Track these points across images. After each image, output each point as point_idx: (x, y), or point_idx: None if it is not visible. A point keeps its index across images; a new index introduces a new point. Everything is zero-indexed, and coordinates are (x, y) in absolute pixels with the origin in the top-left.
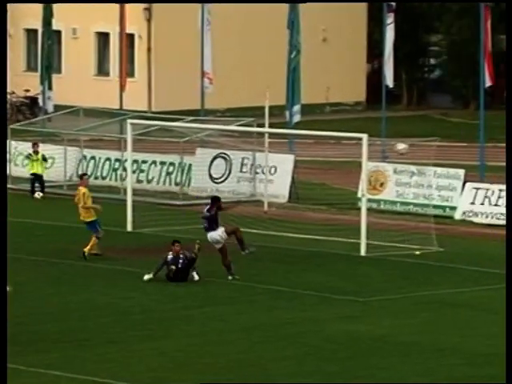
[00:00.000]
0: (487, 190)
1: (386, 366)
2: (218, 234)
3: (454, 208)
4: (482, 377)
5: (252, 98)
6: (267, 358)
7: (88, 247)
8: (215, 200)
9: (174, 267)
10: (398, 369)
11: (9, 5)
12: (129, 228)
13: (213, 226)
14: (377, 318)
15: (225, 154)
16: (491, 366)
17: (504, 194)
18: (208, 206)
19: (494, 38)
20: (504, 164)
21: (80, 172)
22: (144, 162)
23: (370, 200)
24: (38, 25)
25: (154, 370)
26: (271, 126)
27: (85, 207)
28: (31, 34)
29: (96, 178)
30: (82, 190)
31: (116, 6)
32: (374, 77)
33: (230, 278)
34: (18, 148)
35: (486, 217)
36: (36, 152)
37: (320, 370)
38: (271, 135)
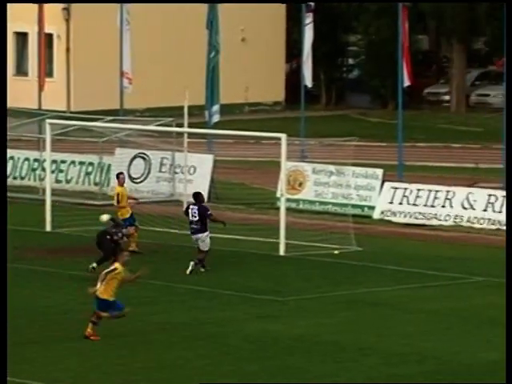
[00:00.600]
0: (405, 189)
1: (305, 365)
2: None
3: (372, 207)
4: (399, 375)
5: (171, 97)
6: (185, 358)
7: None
8: (198, 195)
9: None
10: (317, 368)
11: None
12: (48, 228)
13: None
14: (296, 317)
15: (144, 153)
16: (407, 365)
17: (422, 193)
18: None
19: (412, 37)
20: (423, 163)
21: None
22: (63, 161)
23: (288, 200)
24: None
25: (72, 370)
26: (190, 125)
27: (120, 206)
28: None
29: (15, 178)
30: (117, 189)
31: (34, 6)
32: (293, 77)
33: (202, 269)
34: None
35: (405, 216)
36: None
37: (239, 369)
38: (190, 135)
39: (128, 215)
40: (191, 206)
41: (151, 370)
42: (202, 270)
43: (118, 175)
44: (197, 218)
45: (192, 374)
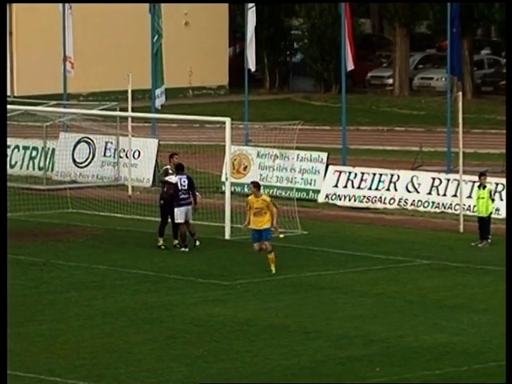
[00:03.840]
0: (350, 173)
1: (252, 348)
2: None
3: (317, 191)
4: (345, 358)
5: (115, 82)
6: (132, 342)
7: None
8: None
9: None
10: (264, 352)
11: None
12: None
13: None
14: (242, 301)
15: (88, 138)
16: (353, 348)
17: (366, 176)
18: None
19: (355, 21)
20: (367, 147)
21: None
22: (7, 146)
23: (233, 184)
24: None
25: (18, 355)
26: (134, 110)
27: None
28: None
29: None
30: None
31: None
32: (237, 61)
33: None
34: None
35: (349, 200)
36: None
37: (185, 353)
38: (134, 119)
39: None
40: (179, 176)
41: (98, 355)
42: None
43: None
44: (186, 187)
45: (140, 357)
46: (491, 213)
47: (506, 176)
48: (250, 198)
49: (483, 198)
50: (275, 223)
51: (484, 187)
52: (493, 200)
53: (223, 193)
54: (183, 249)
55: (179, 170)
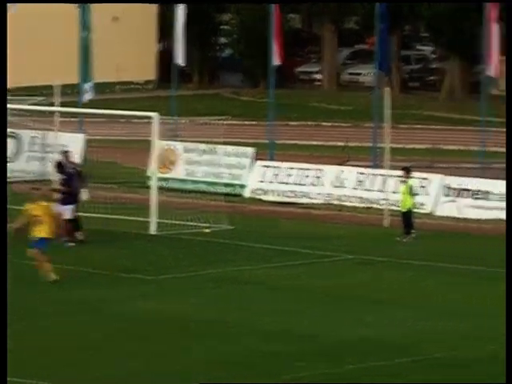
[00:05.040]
0: (276, 167)
1: (178, 344)
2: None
3: (243, 186)
4: (269, 353)
5: (43, 76)
6: (54, 338)
7: None
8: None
9: None
10: (190, 347)
11: None
12: None
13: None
14: (167, 296)
15: (14, 133)
16: (275, 343)
17: (293, 171)
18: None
19: (284, 17)
20: (294, 142)
21: None
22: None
23: (160, 178)
24: None
25: None
26: (63, 105)
27: None
28: None
29: None
30: None
31: None
32: (166, 56)
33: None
34: None
35: (276, 195)
36: None
37: (111, 349)
38: (62, 114)
39: None
40: (62, 175)
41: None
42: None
43: None
44: (69, 185)
45: (61, 354)
46: (411, 208)
47: (506, 175)
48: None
49: (404, 193)
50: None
51: (405, 182)
52: (415, 195)
53: (149, 187)
54: (70, 244)
55: (59, 167)
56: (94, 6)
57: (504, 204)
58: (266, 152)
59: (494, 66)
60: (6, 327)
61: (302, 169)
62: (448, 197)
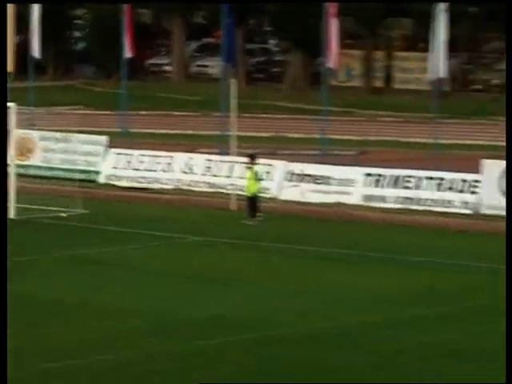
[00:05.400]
0: (129, 155)
1: (37, 325)
2: None
3: (98, 172)
4: (124, 331)
5: None
6: None
7: None
8: None
9: None
10: (41, 326)
11: None
12: None
13: None
14: (27, 278)
15: None
16: (132, 320)
17: (145, 158)
18: None
19: (135, 11)
20: (146, 131)
21: None
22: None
23: (18, 166)
24: None
25: None
26: None
27: None
28: None
29: None
30: None
31: None
32: (22, 48)
33: None
34: None
35: (130, 180)
36: None
37: None
38: None
39: None
40: None
41: None
42: None
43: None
44: None
45: None
46: (256, 192)
47: (506, 175)
48: None
49: (249, 178)
50: None
51: (250, 168)
52: (260, 180)
53: (8, 174)
54: None
55: None
56: None
57: (344, 188)
58: (119, 140)
59: (333, 58)
60: (5, 327)
61: (153, 156)
62: (291, 182)
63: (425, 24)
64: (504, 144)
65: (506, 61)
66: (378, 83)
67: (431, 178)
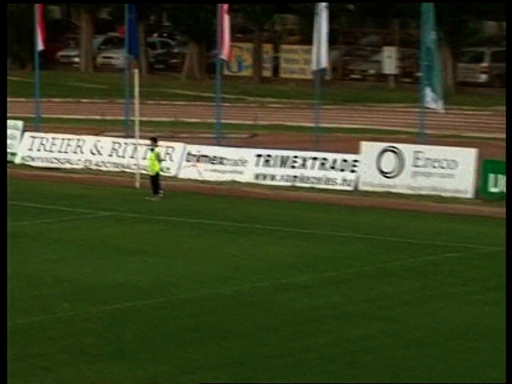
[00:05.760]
0: (42, 138)
1: None
2: None
3: (14, 154)
4: (38, 296)
5: None
6: None
7: None
8: None
9: None
10: None
11: None
12: None
13: None
14: None
15: None
16: (46, 287)
17: (57, 141)
18: None
19: (46, 8)
20: (58, 116)
21: None
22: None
23: None
24: None
25: None
26: None
27: None
28: None
29: None
30: None
31: None
32: None
33: None
34: None
35: (42, 161)
36: None
37: None
38: None
39: None
40: None
41: None
42: None
43: None
44: None
45: None
46: (158, 172)
47: (506, 174)
48: None
49: (152, 159)
50: None
51: (152, 150)
52: (161, 160)
53: None
54: None
55: None
56: None
57: (237, 168)
58: (33, 125)
59: (225, 50)
60: (6, 327)
61: (64, 139)
62: (189, 162)
63: (308, 20)
64: (380, 127)
65: (506, 59)
66: (267, 73)
67: (315, 158)
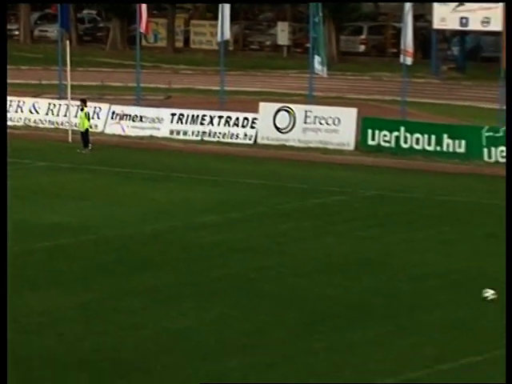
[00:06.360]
0: None
1: None
2: None
3: None
4: None
5: None
6: None
7: None
8: None
9: None
10: None
11: None
12: None
13: None
14: None
15: None
16: None
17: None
18: None
19: None
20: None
21: None
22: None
23: None
24: None
25: None
26: None
27: None
28: None
29: None
30: None
31: None
32: None
33: None
34: None
35: None
36: None
37: None
38: None
39: None
40: None
41: None
42: None
43: None
44: None
45: None
46: (88, 128)
47: (506, 174)
48: None
49: (82, 117)
50: None
51: (82, 110)
52: (89, 119)
53: None
54: None
55: None
56: None
57: (155, 125)
58: None
59: (143, 25)
60: (6, 327)
61: (9, 101)
62: (114, 120)
63: None
64: (276, 90)
65: (506, 60)
66: (179, 44)
67: (221, 117)
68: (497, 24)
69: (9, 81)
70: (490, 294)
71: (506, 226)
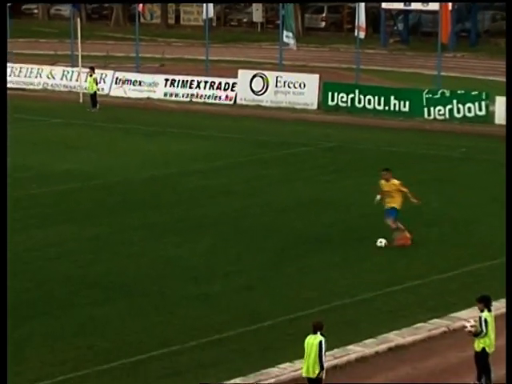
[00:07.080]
0: (12, 67)
1: None
2: None
3: None
4: (16, 178)
5: None
6: None
7: None
8: None
9: None
10: None
11: None
12: None
13: None
14: None
15: None
16: (18, 172)
17: (23, 69)
18: None
19: None
20: (28, 51)
21: None
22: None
23: None
24: None
25: None
26: None
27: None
28: None
29: None
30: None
31: None
32: None
33: None
34: None
35: (12, 84)
36: None
37: None
38: None
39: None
40: None
41: None
42: None
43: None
44: None
45: None
46: (96, 91)
47: (506, 174)
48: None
49: (90, 82)
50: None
51: (91, 76)
52: (97, 83)
53: None
54: None
55: None
56: None
57: (151, 88)
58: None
59: (141, 5)
60: (6, 326)
61: (28, 68)
62: (118, 84)
63: None
64: (252, 59)
65: (506, 57)
66: (171, 21)
67: (206, 82)
68: (435, 4)
69: (29, 51)
70: (382, 243)
71: (505, 225)
